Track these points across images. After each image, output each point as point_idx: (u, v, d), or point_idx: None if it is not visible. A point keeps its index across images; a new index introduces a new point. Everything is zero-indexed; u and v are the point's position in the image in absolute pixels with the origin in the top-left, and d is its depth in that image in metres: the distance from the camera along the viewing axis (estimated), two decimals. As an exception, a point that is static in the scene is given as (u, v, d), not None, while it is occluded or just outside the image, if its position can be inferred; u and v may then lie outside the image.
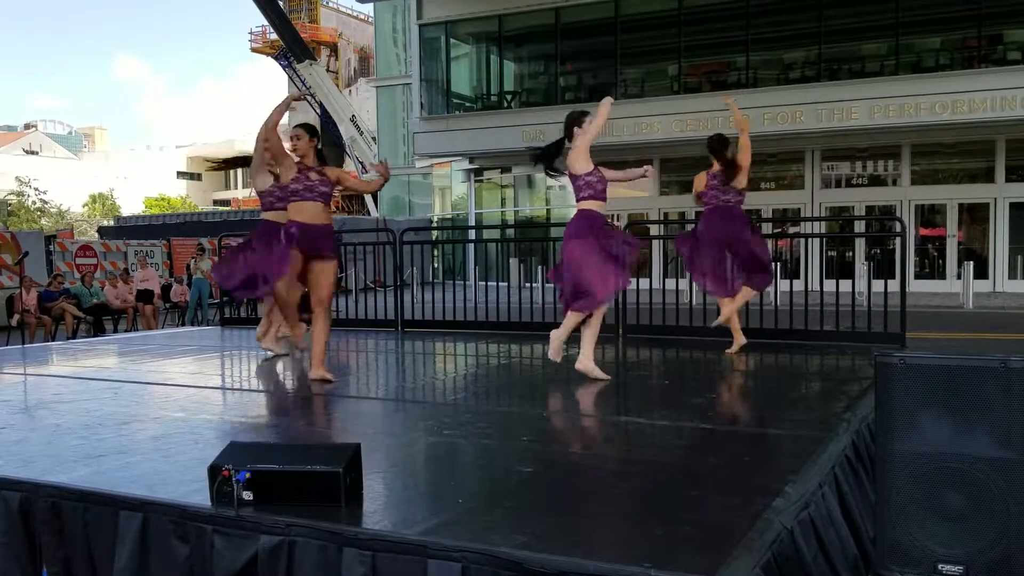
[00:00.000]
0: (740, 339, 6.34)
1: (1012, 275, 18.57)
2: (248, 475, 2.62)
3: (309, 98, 37.21)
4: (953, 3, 18.38)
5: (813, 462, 3.12)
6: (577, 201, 5.23)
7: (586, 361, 5.20)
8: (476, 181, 24.99)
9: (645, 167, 5.49)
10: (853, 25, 18.92)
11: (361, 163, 36.63)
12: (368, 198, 36.50)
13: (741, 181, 6.14)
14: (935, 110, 17.03)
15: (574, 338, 5.35)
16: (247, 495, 2.63)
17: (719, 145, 6.20)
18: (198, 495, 2.75)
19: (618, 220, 17.66)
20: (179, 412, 4.42)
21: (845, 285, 7.06)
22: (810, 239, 7.89)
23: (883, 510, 2.38)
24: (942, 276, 19.14)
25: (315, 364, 5.28)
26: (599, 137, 5.28)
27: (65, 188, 47.89)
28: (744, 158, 6.15)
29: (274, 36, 38.29)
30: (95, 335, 12.94)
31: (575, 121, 5.26)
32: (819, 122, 17.93)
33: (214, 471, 2.66)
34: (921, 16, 18.44)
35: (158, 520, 2.74)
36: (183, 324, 15.13)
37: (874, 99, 17.42)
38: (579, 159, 5.16)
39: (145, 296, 14.94)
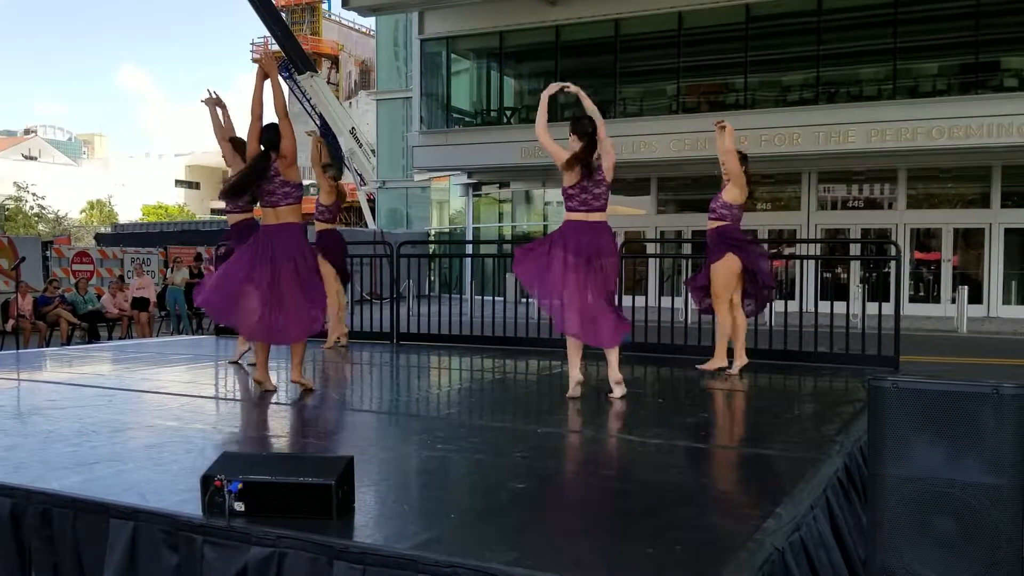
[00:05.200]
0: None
1: (1006, 300, 18.64)
2: (240, 486, 2.62)
3: (309, 109, 37.33)
4: (951, 29, 18.53)
5: (805, 484, 3.12)
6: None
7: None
8: (474, 195, 25.05)
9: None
10: (851, 49, 19.05)
11: (360, 175, 36.68)
12: (366, 210, 36.55)
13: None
14: (932, 135, 17.12)
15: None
16: (239, 506, 2.63)
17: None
18: (190, 505, 2.75)
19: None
20: (172, 421, 4.41)
21: (840, 307, 7.07)
22: (805, 261, 7.90)
23: (874, 533, 2.39)
24: (936, 300, 19.20)
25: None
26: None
27: (63, 194, 47.77)
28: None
29: (276, 47, 38.42)
30: (90, 342, 12.91)
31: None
32: (816, 145, 18.00)
33: (206, 481, 2.66)
34: (919, 41, 18.57)
35: (149, 529, 2.74)
36: (178, 332, 15.10)
37: (871, 123, 17.51)
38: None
39: (140, 304, 14.93)
